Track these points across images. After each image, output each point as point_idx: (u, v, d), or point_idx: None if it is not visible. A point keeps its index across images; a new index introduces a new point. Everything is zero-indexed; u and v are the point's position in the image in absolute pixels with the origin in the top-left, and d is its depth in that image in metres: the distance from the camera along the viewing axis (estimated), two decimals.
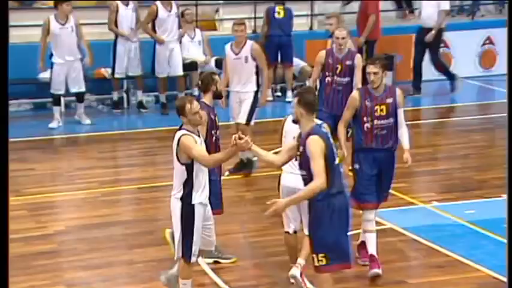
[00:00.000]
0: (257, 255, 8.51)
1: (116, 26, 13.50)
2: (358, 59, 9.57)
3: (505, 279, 7.71)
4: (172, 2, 13.55)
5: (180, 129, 6.92)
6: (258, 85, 10.56)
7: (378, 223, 9.07)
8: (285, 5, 14.57)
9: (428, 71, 16.11)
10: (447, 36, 16.32)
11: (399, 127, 7.77)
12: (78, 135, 12.81)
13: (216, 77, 7.86)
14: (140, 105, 14.08)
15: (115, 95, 14.01)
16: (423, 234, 8.71)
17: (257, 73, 10.43)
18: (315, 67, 9.90)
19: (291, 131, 7.18)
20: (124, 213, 9.68)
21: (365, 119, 7.66)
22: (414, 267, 7.95)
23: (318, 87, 9.94)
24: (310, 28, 15.82)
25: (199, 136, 6.96)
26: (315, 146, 6.37)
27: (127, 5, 13.55)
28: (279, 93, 15.02)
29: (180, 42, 13.73)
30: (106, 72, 14.14)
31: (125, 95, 14.31)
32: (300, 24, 14.98)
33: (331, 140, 6.55)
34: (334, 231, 6.46)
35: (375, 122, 7.66)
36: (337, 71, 9.53)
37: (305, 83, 14.61)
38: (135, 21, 13.65)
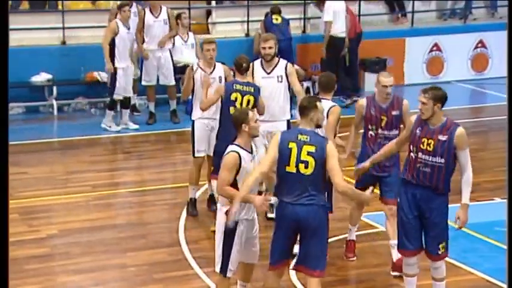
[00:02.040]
0: None
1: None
2: (406, 107, 8.04)
3: (497, 282, 7.76)
4: (163, 7, 13.35)
5: (232, 143, 6.71)
6: None
7: (370, 226, 9.11)
8: (280, 13, 14.65)
9: (420, 74, 16.17)
10: (439, 39, 16.41)
11: (462, 171, 6.92)
12: (71, 139, 12.79)
13: None
14: (133, 108, 14.06)
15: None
16: None
17: None
18: (356, 117, 8.19)
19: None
20: (117, 217, 9.67)
21: (411, 147, 7.01)
22: None
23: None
24: (304, 31, 15.84)
25: (251, 152, 6.72)
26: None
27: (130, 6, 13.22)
28: None
29: (173, 46, 13.60)
30: (98, 75, 14.13)
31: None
32: (292, 28, 14.98)
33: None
34: (276, 235, 6.70)
35: (419, 155, 6.94)
36: (382, 124, 7.98)
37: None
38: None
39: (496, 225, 9.12)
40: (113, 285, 7.98)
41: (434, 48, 16.41)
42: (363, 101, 8.11)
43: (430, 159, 6.86)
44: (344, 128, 8.45)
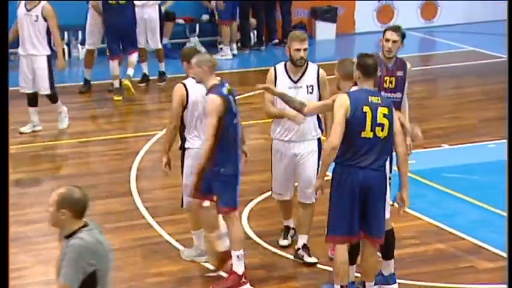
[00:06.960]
0: None
1: None
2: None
3: (444, 227, 7.92)
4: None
5: None
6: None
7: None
8: None
9: (371, 22, 16.18)
10: None
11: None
12: (16, 89, 12.54)
13: None
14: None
15: None
16: None
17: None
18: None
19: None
20: (66, 167, 9.59)
21: None
22: None
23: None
24: None
25: None
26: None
27: None
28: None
29: None
30: None
31: (66, 47, 14.04)
32: None
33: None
34: (341, 204, 6.37)
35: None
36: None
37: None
38: None
39: (443, 172, 9.27)
40: None
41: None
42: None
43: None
44: None
